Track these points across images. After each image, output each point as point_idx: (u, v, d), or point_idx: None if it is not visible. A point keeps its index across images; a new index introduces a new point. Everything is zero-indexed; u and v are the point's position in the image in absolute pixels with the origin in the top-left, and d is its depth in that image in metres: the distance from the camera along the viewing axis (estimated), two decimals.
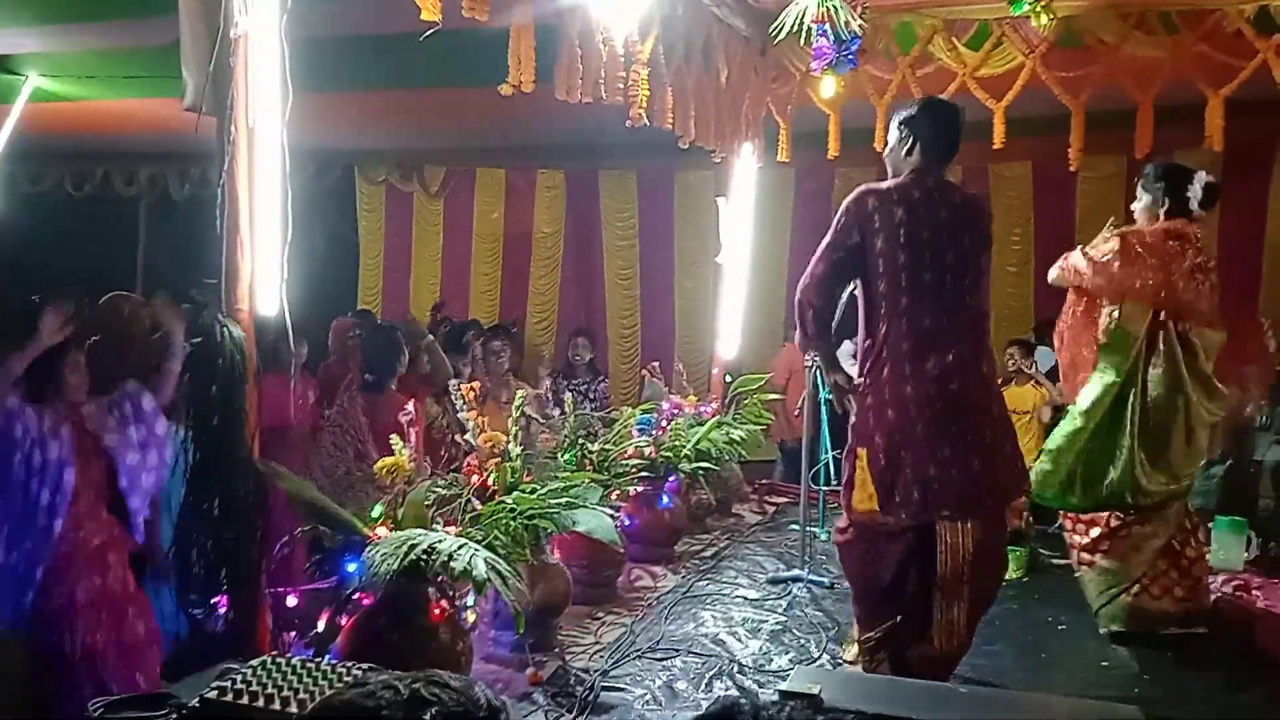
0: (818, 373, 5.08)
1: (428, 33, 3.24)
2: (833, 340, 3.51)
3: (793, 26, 4.70)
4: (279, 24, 2.86)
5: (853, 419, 3.48)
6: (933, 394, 3.27)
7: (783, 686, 2.18)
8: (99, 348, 3.81)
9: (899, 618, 3.36)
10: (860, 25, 4.70)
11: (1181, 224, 4.12)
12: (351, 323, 5.87)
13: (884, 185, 3.41)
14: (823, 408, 5.60)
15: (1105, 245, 4.09)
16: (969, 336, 3.37)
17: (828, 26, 4.68)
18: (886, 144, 3.60)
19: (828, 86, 5.30)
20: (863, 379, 3.41)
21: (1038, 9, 4.25)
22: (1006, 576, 4.72)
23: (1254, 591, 4.64)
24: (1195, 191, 4.14)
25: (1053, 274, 4.28)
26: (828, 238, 3.40)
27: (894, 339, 3.31)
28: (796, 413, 5.41)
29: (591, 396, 7.15)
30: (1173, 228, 4.09)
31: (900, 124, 3.48)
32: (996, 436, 3.40)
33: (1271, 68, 4.87)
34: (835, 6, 4.51)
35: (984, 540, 3.31)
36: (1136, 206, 4.27)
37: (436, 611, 2.99)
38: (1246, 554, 5.12)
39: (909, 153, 3.43)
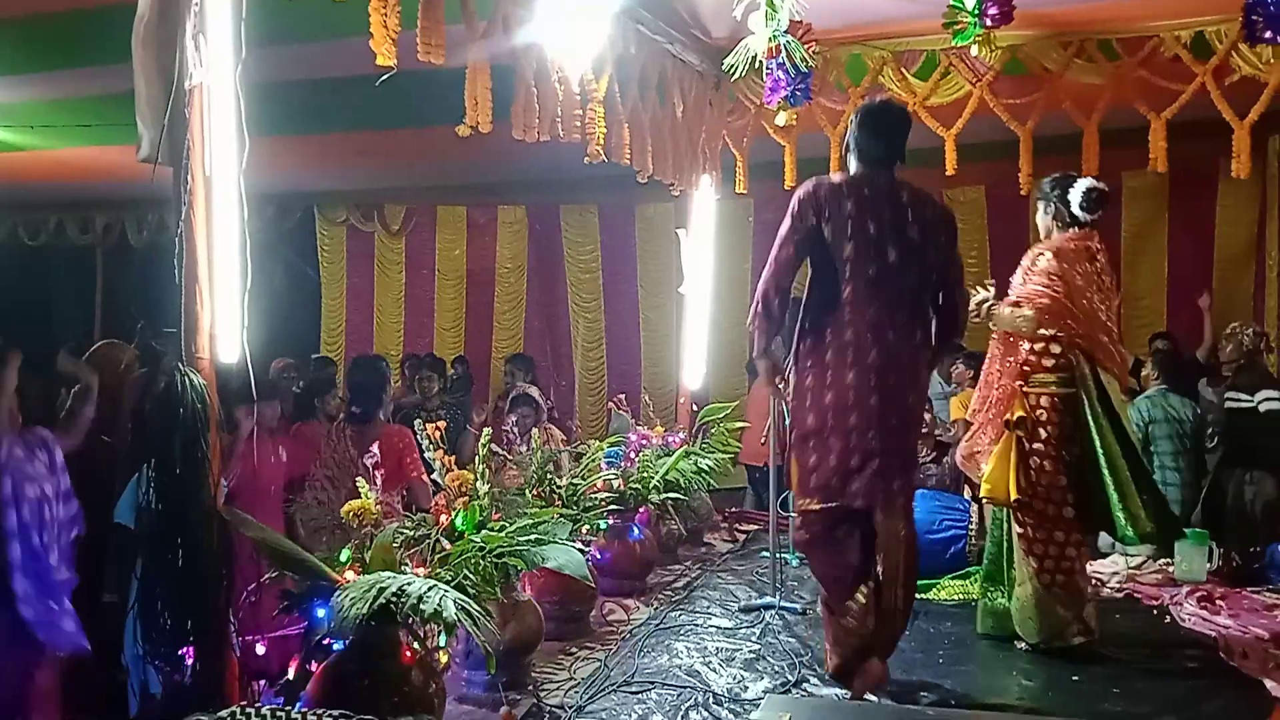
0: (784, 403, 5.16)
1: (384, 77, 3.27)
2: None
3: (747, 65, 4.80)
4: (234, 73, 2.88)
5: (790, 404, 3.64)
6: (872, 384, 3.39)
7: (754, 716, 2.19)
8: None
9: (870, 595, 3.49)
10: (811, 59, 4.80)
11: (1087, 234, 4.19)
12: (286, 363, 5.88)
13: (835, 177, 3.51)
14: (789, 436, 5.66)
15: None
16: (911, 337, 3.48)
17: (784, 59, 4.77)
18: None
19: (782, 119, 5.38)
20: (801, 362, 3.52)
21: (980, 39, 4.36)
22: (975, 597, 4.84)
23: (1218, 602, 4.71)
24: (1076, 198, 4.15)
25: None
26: (785, 226, 3.50)
27: (838, 326, 3.43)
28: (763, 440, 5.45)
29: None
30: (1082, 243, 4.17)
31: (846, 131, 3.67)
32: (914, 443, 3.66)
33: (1210, 90, 5.02)
34: (787, 42, 4.60)
35: (907, 529, 3.52)
36: (1040, 222, 4.32)
37: (407, 654, 2.97)
38: (1209, 565, 5.20)
39: (847, 158, 3.61)
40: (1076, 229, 4.19)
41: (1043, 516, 4.09)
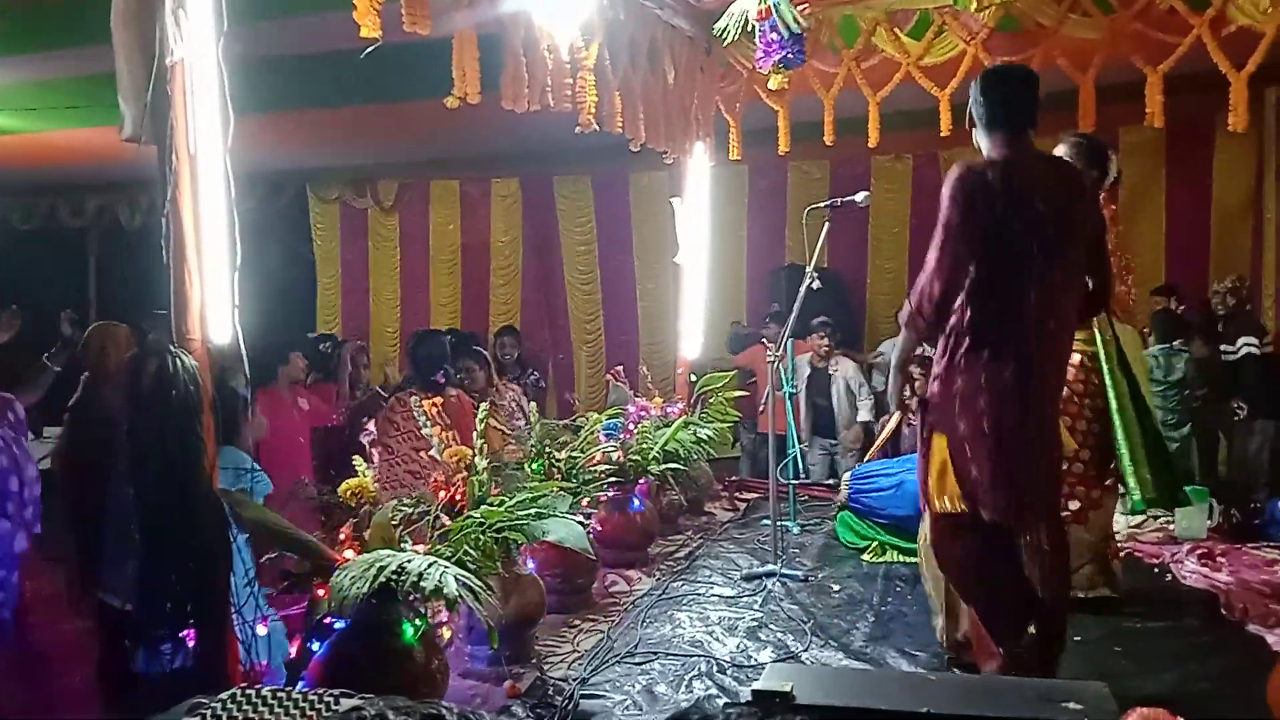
0: (781, 368, 5.13)
1: (369, 49, 3.23)
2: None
3: (737, 28, 4.73)
4: (216, 49, 2.83)
5: (928, 401, 3.29)
6: (1029, 386, 3.10)
7: (755, 685, 2.18)
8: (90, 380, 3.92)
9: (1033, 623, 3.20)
10: (803, 21, 4.73)
11: (1107, 197, 4.18)
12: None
13: (989, 159, 3.21)
14: (788, 403, 5.65)
15: None
16: (1066, 327, 3.24)
17: (777, 21, 4.69)
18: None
19: (775, 83, 5.32)
20: (947, 359, 3.18)
21: None
22: None
23: (1218, 559, 4.71)
24: (1114, 168, 4.23)
25: None
26: (952, 217, 3.12)
27: (991, 322, 3.10)
28: (761, 409, 5.44)
29: (524, 386, 7.18)
30: (1106, 206, 4.17)
31: (971, 100, 3.32)
32: (1057, 441, 3.39)
33: (1207, 42, 4.96)
34: (778, 4, 4.54)
35: (1054, 537, 3.29)
36: None
37: (409, 632, 2.97)
38: (1209, 522, 5.20)
39: (976, 123, 3.28)
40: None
41: None
